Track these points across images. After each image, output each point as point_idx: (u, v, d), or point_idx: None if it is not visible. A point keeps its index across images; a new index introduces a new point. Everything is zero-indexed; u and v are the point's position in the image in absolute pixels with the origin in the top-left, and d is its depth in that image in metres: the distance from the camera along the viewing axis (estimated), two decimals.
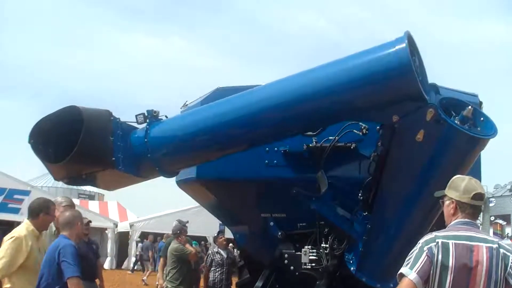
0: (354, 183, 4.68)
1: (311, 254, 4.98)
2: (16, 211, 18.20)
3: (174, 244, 8.70)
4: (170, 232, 10.10)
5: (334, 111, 4.06)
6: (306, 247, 5.02)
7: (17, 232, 4.65)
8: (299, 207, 4.95)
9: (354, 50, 4.05)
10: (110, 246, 23.84)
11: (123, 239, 24.76)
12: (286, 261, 5.19)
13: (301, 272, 5.06)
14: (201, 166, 5.23)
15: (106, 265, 22.22)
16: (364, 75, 3.78)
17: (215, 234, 10.23)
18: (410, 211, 4.28)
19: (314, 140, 4.88)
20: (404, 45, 3.66)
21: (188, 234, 9.38)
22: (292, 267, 5.15)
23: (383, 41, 3.88)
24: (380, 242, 4.54)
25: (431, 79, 4.11)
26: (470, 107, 3.86)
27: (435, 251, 2.87)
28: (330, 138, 4.81)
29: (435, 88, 4.23)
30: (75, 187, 35.50)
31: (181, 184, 5.87)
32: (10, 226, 13.77)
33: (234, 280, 8.12)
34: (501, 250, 2.90)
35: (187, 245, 8.75)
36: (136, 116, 4.56)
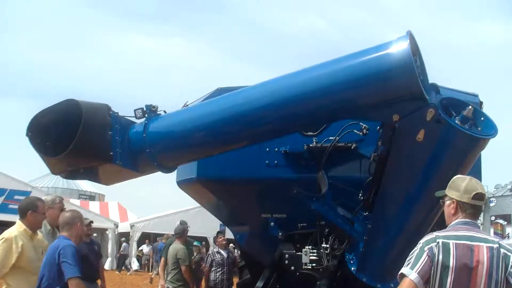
0: (354, 183, 4.68)
1: (311, 254, 4.98)
2: (16, 212, 18.07)
3: (176, 245, 8.69)
4: (171, 232, 10.11)
5: (334, 109, 4.05)
6: (307, 247, 5.01)
7: (7, 233, 4.67)
8: (300, 207, 4.95)
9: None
10: (110, 247, 23.85)
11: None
12: (286, 261, 5.19)
13: (302, 272, 5.06)
14: (201, 166, 5.23)
15: (107, 266, 22.21)
16: (366, 73, 3.76)
17: (215, 235, 10.23)
18: (410, 211, 4.27)
19: (314, 140, 4.88)
20: (406, 44, 3.66)
21: (189, 234, 9.38)
22: (292, 267, 5.15)
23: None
24: (381, 242, 4.53)
25: (431, 79, 4.10)
26: (470, 107, 3.84)
27: (436, 251, 2.87)
28: (330, 138, 4.81)
29: (435, 88, 4.22)
30: (75, 187, 35.59)
31: (182, 184, 5.87)
32: (10, 226, 13.72)
33: (235, 280, 8.11)
34: (502, 250, 2.90)
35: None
36: (134, 110, 4.52)
